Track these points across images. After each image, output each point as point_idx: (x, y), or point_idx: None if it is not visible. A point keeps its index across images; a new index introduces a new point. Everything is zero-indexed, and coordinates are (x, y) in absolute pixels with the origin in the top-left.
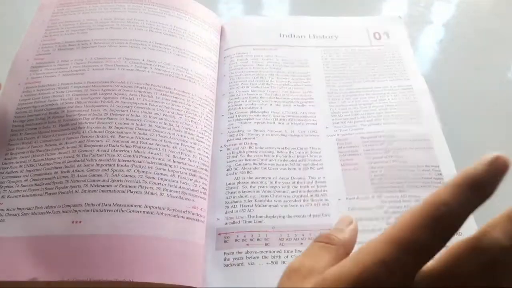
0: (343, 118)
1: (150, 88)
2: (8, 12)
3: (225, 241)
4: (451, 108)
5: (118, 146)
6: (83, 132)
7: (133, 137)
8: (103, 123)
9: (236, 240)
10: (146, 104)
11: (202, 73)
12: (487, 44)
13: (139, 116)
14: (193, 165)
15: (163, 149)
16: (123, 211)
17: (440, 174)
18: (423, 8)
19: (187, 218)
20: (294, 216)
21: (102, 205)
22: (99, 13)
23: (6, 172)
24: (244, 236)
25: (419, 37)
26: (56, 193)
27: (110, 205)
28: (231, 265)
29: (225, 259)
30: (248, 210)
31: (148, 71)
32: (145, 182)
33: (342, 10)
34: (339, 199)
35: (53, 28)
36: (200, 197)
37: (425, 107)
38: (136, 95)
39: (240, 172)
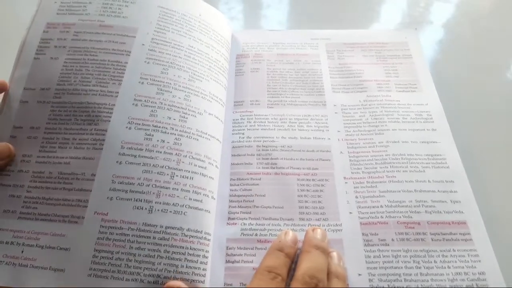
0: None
1: None
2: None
3: None
4: (450, 108)
5: None
6: None
7: None
8: None
9: None
10: None
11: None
12: (487, 44)
13: None
14: None
15: None
16: None
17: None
18: (423, 8)
19: None
20: None
21: None
22: None
23: None
24: None
25: (419, 37)
26: None
27: None
28: None
29: None
30: None
31: None
32: None
33: (345, 17)
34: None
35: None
36: None
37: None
38: None
39: None
